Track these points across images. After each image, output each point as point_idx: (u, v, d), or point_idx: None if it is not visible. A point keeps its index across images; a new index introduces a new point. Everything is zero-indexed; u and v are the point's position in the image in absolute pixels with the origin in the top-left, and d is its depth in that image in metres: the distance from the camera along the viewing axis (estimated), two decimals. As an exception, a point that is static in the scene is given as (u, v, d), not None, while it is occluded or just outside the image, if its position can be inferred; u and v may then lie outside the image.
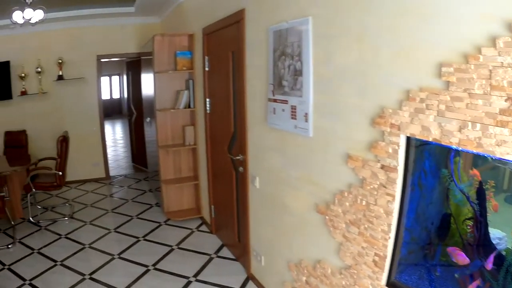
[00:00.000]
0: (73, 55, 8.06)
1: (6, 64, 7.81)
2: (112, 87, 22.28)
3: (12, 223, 5.91)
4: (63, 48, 8.04)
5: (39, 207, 6.83)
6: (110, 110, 19.56)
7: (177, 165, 6.05)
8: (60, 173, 6.14)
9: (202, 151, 5.58)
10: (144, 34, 7.97)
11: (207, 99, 5.05)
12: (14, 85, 7.97)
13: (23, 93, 7.92)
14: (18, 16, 5.53)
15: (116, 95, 22.51)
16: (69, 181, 7.41)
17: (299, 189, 2.99)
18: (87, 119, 8.35)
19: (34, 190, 6.13)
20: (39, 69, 7.88)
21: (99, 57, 8.23)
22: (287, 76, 2.93)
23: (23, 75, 7.86)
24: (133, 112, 9.25)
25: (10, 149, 7.67)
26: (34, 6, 5.52)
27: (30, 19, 5.59)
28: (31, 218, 6.20)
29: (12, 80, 7.94)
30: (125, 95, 20.20)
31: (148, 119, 6.68)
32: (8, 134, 7.78)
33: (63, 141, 6.15)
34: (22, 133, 7.71)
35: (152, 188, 7.47)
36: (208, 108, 5.09)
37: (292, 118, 2.90)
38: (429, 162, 1.95)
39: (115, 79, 22.20)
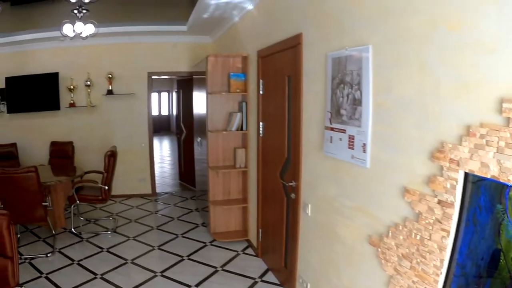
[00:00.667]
0: (123, 71, 8.52)
1: (55, 76, 8.34)
2: (161, 103, 22.88)
3: (53, 232, 6.21)
4: (113, 63, 8.50)
5: (82, 218, 7.18)
6: (158, 126, 20.15)
7: (227, 186, 6.21)
8: (106, 187, 6.44)
9: (252, 174, 5.72)
10: (196, 53, 8.32)
11: (261, 123, 5.20)
12: (62, 96, 8.49)
13: (72, 105, 8.42)
14: (68, 30, 5.84)
15: (165, 112, 23.06)
16: (114, 195, 7.67)
17: (352, 219, 3.04)
18: (136, 135, 8.74)
19: (78, 202, 6.45)
20: (88, 83, 8.37)
21: (150, 74, 8.63)
22: (345, 105, 3.00)
23: (71, 87, 8.36)
24: (183, 130, 9.54)
25: (55, 160, 8.10)
26: (85, 20, 5.82)
27: (80, 33, 5.91)
28: (73, 229, 6.51)
29: (61, 92, 8.47)
30: (174, 112, 20.80)
31: (199, 139, 6.91)
32: (54, 144, 8.23)
33: (111, 156, 6.46)
34: (69, 144, 8.14)
35: (199, 208, 7.65)
36: (261, 132, 5.22)
37: (350, 148, 2.96)
38: (484, 197, 1.97)
39: (164, 95, 22.80)
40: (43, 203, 5.65)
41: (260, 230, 5.47)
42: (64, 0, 5.67)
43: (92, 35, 6.10)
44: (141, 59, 8.53)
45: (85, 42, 7.18)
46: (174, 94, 20.00)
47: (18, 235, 6.24)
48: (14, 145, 8.52)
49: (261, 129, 5.20)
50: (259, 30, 5.32)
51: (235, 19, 6.26)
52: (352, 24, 2.97)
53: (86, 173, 7.02)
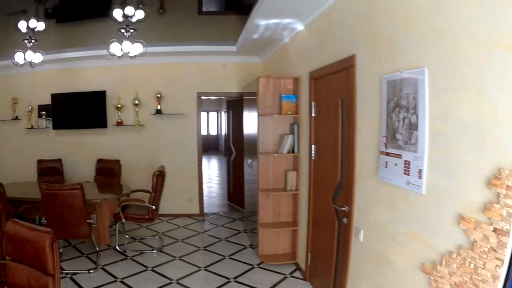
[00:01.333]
0: (172, 90, 8.85)
1: (102, 94, 8.78)
2: (210, 123, 23.29)
3: (97, 248, 6.43)
4: (162, 83, 8.86)
5: (127, 236, 7.41)
6: (207, 146, 20.52)
7: (276, 209, 6.33)
8: (154, 206, 6.65)
9: (303, 198, 5.80)
10: (246, 73, 8.56)
11: (313, 146, 5.30)
12: (110, 114, 8.88)
13: (119, 123, 8.81)
14: (116, 49, 6.01)
15: (213, 131, 23.45)
16: (161, 214, 7.91)
17: (405, 246, 3.06)
18: (184, 155, 9.01)
19: (124, 220, 6.66)
20: (136, 102, 8.72)
21: (199, 94, 8.91)
22: (401, 129, 3.02)
23: (119, 106, 8.73)
24: (233, 151, 9.76)
25: (101, 177, 8.48)
26: (133, 40, 5.99)
27: (128, 52, 6.07)
28: (117, 247, 6.74)
29: (108, 110, 8.85)
30: (223, 132, 21.12)
31: (249, 161, 7.06)
32: (101, 161, 8.59)
33: (159, 176, 6.68)
34: (116, 163, 8.49)
35: (247, 229, 7.75)
36: (313, 155, 5.31)
37: (405, 173, 2.97)
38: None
39: (213, 115, 23.22)
40: (88, 220, 5.91)
41: (309, 254, 5.51)
42: (111, 19, 5.87)
43: (140, 55, 6.31)
44: (190, 79, 8.84)
45: (133, 61, 7.45)
46: (223, 114, 20.38)
47: (61, 250, 6.53)
48: (59, 161, 8.97)
49: (313, 152, 5.29)
50: (311, 51, 5.44)
51: (285, 40, 6.36)
52: (406, 46, 3.01)
53: (133, 191, 7.27)
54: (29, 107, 9.27)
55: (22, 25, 6.02)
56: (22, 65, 6.60)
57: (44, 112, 9.18)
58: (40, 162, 8.99)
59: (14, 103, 9.48)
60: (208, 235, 7.76)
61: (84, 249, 6.67)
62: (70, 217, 5.82)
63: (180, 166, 8.93)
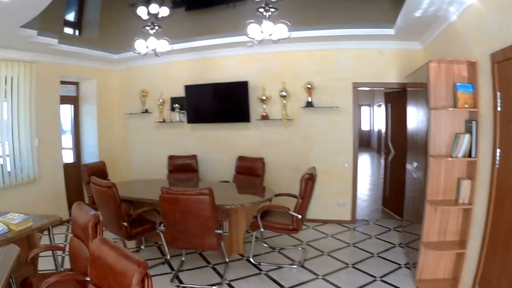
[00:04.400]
0: (323, 80, 8.05)
1: (244, 85, 8.17)
2: (361, 118, 22.49)
3: (226, 259, 5.96)
4: (312, 71, 8.10)
5: (265, 245, 6.87)
6: (358, 142, 19.58)
7: (443, 226, 5.21)
8: (299, 216, 5.86)
9: (479, 214, 4.65)
10: (405, 62, 7.54)
11: (498, 149, 4.17)
12: (253, 108, 8.26)
13: (264, 117, 8.19)
14: (254, 31, 5.26)
15: (365, 127, 22.59)
16: (308, 219, 7.34)
17: None
18: (338, 153, 8.16)
19: (262, 229, 6.01)
20: (283, 93, 7.97)
21: (355, 85, 7.93)
22: None
23: (264, 98, 8.08)
24: (391, 150, 8.73)
25: (241, 176, 7.99)
26: (274, 20, 5.23)
27: (270, 35, 5.32)
28: (251, 258, 6.19)
29: (251, 103, 8.28)
30: (375, 127, 20.03)
31: (415, 164, 5.97)
32: (241, 159, 8.10)
33: (309, 180, 5.87)
34: (258, 161, 7.92)
35: (403, 243, 6.77)
36: (497, 161, 4.19)
37: None
38: None
39: (365, 109, 22.30)
40: (216, 231, 5.35)
41: (477, 286, 4.42)
42: (246, 1, 5.35)
43: (285, 39, 5.49)
44: (343, 68, 7.98)
45: (277, 48, 6.86)
46: (376, 108, 19.29)
47: (183, 258, 6.22)
48: (194, 157, 8.65)
49: (497, 157, 4.17)
50: (489, 28, 4.35)
51: (452, 18, 5.41)
52: None
53: (276, 195, 6.61)
54: (161, 100, 9.23)
55: (141, 11, 5.68)
56: (145, 54, 6.30)
57: (177, 105, 9.04)
58: (171, 158, 8.86)
59: (143, 95, 9.53)
60: (358, 247, 6.86)
61: (211, 257, 6.27)
62: (194, 226, 5.33)
63: (331, 166, 8.14)
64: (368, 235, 7.53)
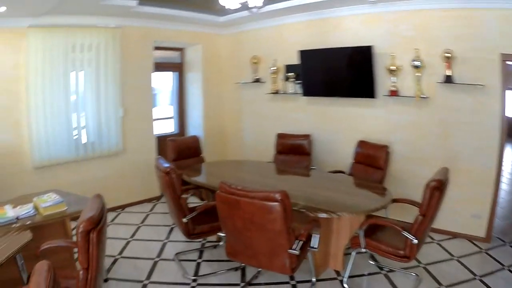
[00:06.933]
0: (465, 49, 6.00)
1: (367, 51, 6.61)
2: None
3: (313, 279, 4.66)
4: (451, 36, 6.11)
5: (372, 262, 5.31)
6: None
7: None
8: (416, 240, 4.21)
9: None
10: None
11: None
12: (380, 80, 6.68)
13: (393, 93, 6.49)
14: None
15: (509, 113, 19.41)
16: (433, 228, 5.50)
17: None
18: (479, 148, 6.12)
19: (363, 250, 4.58)
20: (417, 63, 6.22)
21: (504, 58, 5.76)
22: None
23: (393, 68, 6.40)
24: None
25: (360, 167, 6.49)
26: None
27: None
28: (345, 278, 4.76)
29: (377, 74, 6.68)
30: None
31: None
32: (362, 145, 6.59)
33: (436, 190, 4.11)
34: (382, 149, 6.29)
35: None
36: None
37: None
38: None
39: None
40: (290, 251, 3.90)
41: None
42: None
43: None
44: (488, 34, 5.81)
45: (407, 6, 5.39)
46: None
47: (260, 269, 5.00)
48: (307, 137, 7.31)
49: None
50: None
51: None
52: None
53: (394, 201, 5.03)
54: (274, 68, 7.98)
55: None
56: (236, 9, 5.43)
57: (292, 74, 7.75)
58: (281, 136, 7.62)
59: (254, 62, 8.39)
60: (484, 284, 4.89)
61: (297, 271, 4.44)
62: (259, 241, 4.02)
63: (470, 163, 6.15)
64: (501, 265, 5.44)
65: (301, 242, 3.93)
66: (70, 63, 6.73)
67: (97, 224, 3.03)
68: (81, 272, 2.95)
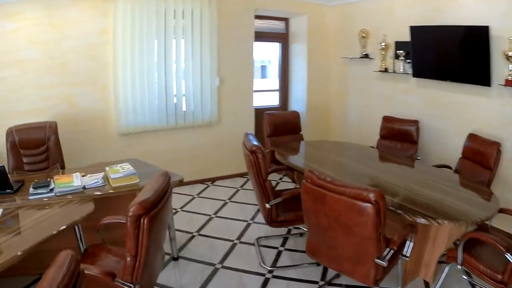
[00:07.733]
0: None
1: (483, 32, 5.66)
2: None
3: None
4: None
5: (465, 278, 4.48)
6: None
7: None
8: None
9: None
10: None
11: None
12: (496, 66, 5.69)
13: (509, 83, 5.53)
14: None
15: None
16: None
17: None
18: None
19: (459, 266, 3.88)
20: None
21: None
22: None
23: (511, 54, 5.50)
24: None
25: (467, 163, 5.54)
26: None
27: None
28: None
29: (493, 59, 5.69)
30: None
31: None
32: (472, 139, 5.54)
33: None
34: (492, 146, 5.18)
35: None
36: None
37: None
38: None
39: None
40: (377, 260, 3.39)
41: None
42: None
43: None
44: None
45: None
46: None
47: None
48: (415, 123, 6.56)
49: None
50: None
51: None
52: None
53: (500, 211, 4.17)
54: (383, 44, 7.31)
55: None
56: None
57: (402, 52, 7.03)
58: (386, 120, 6.93)
59: (363, 36, 7.74)
60: None
61: (385, 282, 4.13)
62: (344, 243, 3.56)
63: None
64: None
65: (392, 251, 3.43)
66: (162, 29, 6.69)
67: (151, 209, 2.79)
68: (128, 259, 2.76)
